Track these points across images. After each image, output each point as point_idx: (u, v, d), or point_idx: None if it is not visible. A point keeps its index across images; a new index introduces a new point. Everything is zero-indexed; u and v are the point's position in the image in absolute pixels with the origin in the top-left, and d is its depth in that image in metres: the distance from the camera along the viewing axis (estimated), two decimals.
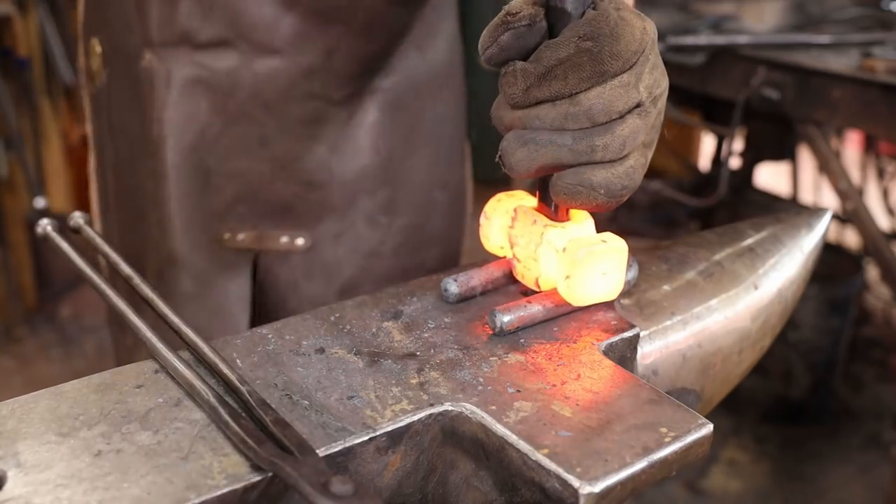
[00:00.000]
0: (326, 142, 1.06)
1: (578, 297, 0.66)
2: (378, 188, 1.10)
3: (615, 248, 0.66)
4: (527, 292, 0.72)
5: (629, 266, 0.72)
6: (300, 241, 1.08)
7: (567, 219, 0.68)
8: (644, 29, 0.62)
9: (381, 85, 1.08)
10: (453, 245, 1.22)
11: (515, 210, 0.70)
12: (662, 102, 0.66)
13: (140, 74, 1.03)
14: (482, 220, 0.74)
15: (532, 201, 0.71)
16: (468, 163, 1.23)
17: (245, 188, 1.06)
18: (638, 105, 0.62)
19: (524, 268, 0.70)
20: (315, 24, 0.99)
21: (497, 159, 0.65)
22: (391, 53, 1.07)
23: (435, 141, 1.17)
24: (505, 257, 0.74)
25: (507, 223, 0.71)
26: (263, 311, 1.13)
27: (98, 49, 1.10)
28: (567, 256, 0.65)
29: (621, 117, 0.61)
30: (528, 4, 0.63)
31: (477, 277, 0.72)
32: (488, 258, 0.75)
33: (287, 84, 1.01)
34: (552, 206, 0.68)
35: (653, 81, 0.63)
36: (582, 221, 0.69)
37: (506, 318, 0.65)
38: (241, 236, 1.07)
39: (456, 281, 0.71)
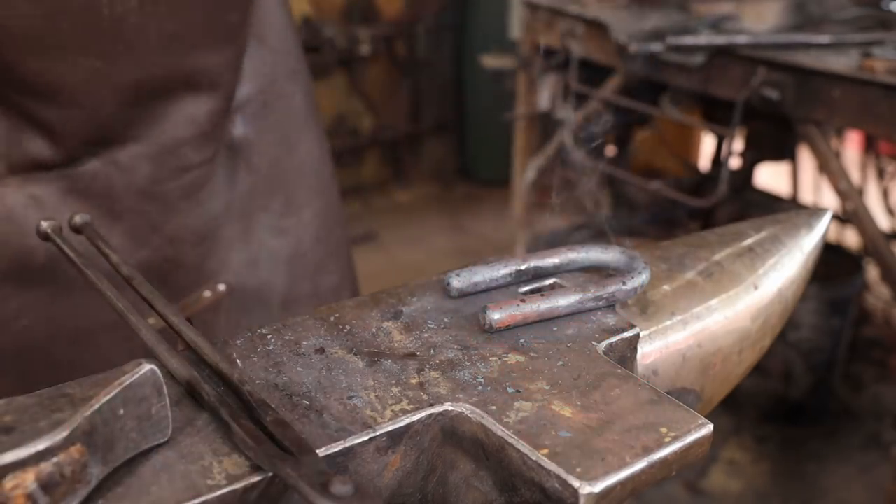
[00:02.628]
0: (211, 195, 1.00)
1: None
2: (270, 200, 1.06)
3: None
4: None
5: (640, 270, 0.72)
6: (222, 287, 1.04)
7: None
8: None
9: (239, 100, 1.01)
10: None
11: None
12: None
13: None
14: None
15: None
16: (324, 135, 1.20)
17: (154, 272, 0.99)
18: None
19: None
20: (150, 105, 0.90)
21: None
22: (240, 68, 1.00)
23: (310, 124, 1.13)
24: (508, 255, 0.73)
25: None
26: None
27: None
28: None
29: None
30: None
31: (480, 274, 0.72)
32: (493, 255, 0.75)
33: (155, 166, 0.94)
34: None
35: None
36: None
37: (496, 316, 0.65)
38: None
39: (459, 276, 0.71)
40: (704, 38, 2.19)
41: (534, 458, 0.52)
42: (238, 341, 0.64)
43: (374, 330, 0.66)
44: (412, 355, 0.63)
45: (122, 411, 0.49)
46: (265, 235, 1.06)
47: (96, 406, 0.47)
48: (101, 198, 0.92)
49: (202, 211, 1.00)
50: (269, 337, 0.65)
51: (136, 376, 0.50)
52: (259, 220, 1.06)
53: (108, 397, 0.48)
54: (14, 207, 0.89)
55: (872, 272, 3.18)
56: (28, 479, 0.43)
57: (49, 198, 0.90)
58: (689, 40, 2.19)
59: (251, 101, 1.02)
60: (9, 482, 0.43)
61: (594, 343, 0.65)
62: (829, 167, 2.13)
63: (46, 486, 0.44)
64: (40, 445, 0.44)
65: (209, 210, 1.01)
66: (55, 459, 0.44)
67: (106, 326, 0.97)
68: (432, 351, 0.64)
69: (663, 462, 0.53)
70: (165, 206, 0.96)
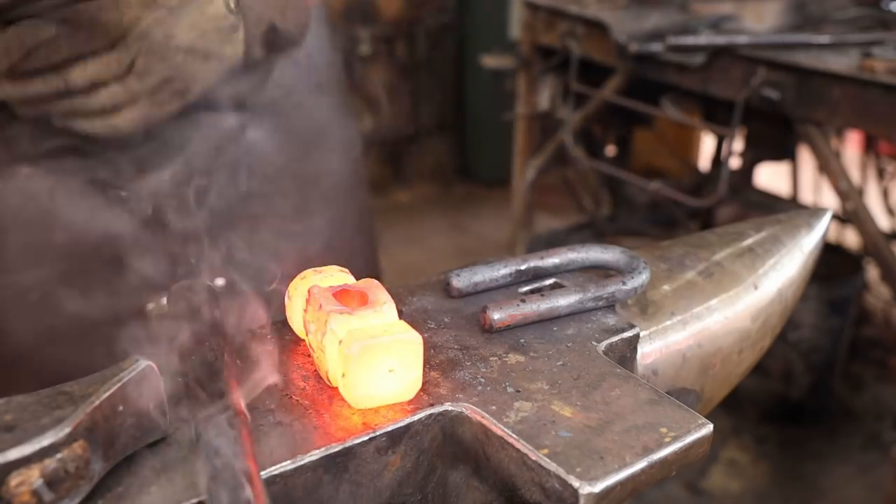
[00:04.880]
0: (216, 195, 1.05)
1: (357, 398, 0.56)
2: (276, 204, 1.09)
3: (403, 340, 0.56)
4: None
5: (640, 270, 0.72)
6: (220, 282, 1.07)
7: (360, 304, 0.60)
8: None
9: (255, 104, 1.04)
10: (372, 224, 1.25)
11: (309, 291, 0.61)
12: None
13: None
14: (286, 300, 0.65)
15: (333, 279, 0.64)
16: (359, 141, 1.24)
17: (159, 263, 1.03)
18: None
19: (318, 359, 0.60)
20: (174, 121, 0.96)
21: None
22: (265, 86, 1.05)
23: (333, 135, 1.16)
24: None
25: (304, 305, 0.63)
26: None
27: None
28: (342, 350, 0.56)
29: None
30: None
31: (480, 274, 0.72)
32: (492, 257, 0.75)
33: (174, 172, 1.00)
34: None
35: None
36: (381, 307, 0.60)
37: (496, 316, 0.65)
38: (165, 301, 1.06)
39: (459, 276, 0.71)
40: (704, 38, 2.19)
41: (534, 458, 0.52)
42: (238, 340, 0.64)
43: None
44: None
45: (121, 407, 0.49)
46: (269, 237, 1.09)
47: (97, 402, 0.47)
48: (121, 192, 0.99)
49: (207, 210, 1.04)
50: (269, 337, 0.65)
51: (133, 373, 0.50)
52: (263, 222, 1.09)
53: (107, 394, 0.48)
54: (40, 192, 0.96)
55: (872, 272, 3.18)
56: (33, 476, 0.43)
57: (72, 186, 0.97)
58: (689, 40, 2.19)
59: (263, 109, 1.06)
60: (14, 479, 0.43)
61: (594, 343, 0.65)
62: (829, 167, 2.13)
63: (51, 482, 0.44)
64: (44, 442, 0.44)
65: (212, 208, 1.05)
66: (59, 455, 0.44)
67: (111, 319, 1.00)
68: (432, 351, 0.64)
69: (663, 462, 0.53)
70: (178, 206, 1.00)
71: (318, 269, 0.66)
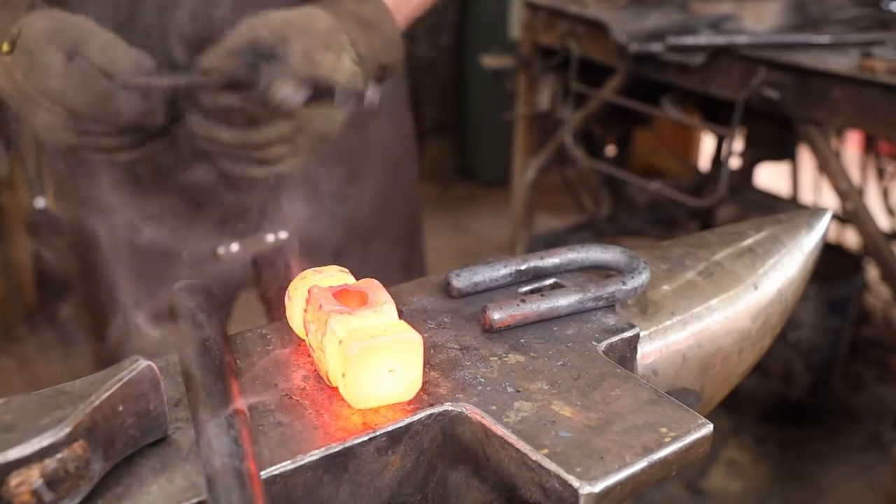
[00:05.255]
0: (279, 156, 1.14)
1: (357, 398, 0.56)
2: (333, 169, 1.21)
3: (403, 340, 0.56)
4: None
5: (640, 270, 0.72)
6: (283, 235, 1.20)
7: (360, 304, 0.61)
8: None
9: None
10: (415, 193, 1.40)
11: (309, 291, 0.62)
12: None
13: None
14: (286, 300, 0.65)
15: (333, 279, 0.64)
16: (411, 118, 1.38)
17: (226, 211, 1.18)
18: None
19: (318, 359, 0.60)
20: None
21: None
22: None
23: (387, 110, 1.27)
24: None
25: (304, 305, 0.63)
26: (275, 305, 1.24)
27: None
28: (342, 350, 0.56)
29: None
30: None
31: (480, 274, 0.72)
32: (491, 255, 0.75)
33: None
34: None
35: None
36: (381, 307, 0.60)
37: (496, 316, 0.65)
38: (234, 247, 1.18)
39: (459, 276, 0.71)
40: (704, 38, 2.19)
41: (534, 458, 0.52)
42: (238, 341, 0.64)
43: None
44: None
45: (121, 407, 0.49)
46: (326, 198, 1.22)
47: (97, 402, 0.47)
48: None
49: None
50: (269, 337, 0.65)
51: (133, 373, 0.50)
52: (322, 185, 1.21)
53: (107, 394, 0.48)
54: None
55: (872, 272, 3.18)
56: (33, 476, 0.43)
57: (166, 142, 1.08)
58: (689, 40, 2.19)
59: None
60: (14, 479, 0.43)
61: (594, 343, 0.65)
62: (829, 167, 2.13)
63: (51, 482, 0.44)
64: (45, 442, 0.44)
65: (276, 169, 1.16)
66: (59, 455, 0.44)
67: (190, 258, 1.17)
68: (432, 351, 0.64)
69: (663, 462, 0.53)
70: (252, 166, 1.12)
71: (319, 269, 0.66)
